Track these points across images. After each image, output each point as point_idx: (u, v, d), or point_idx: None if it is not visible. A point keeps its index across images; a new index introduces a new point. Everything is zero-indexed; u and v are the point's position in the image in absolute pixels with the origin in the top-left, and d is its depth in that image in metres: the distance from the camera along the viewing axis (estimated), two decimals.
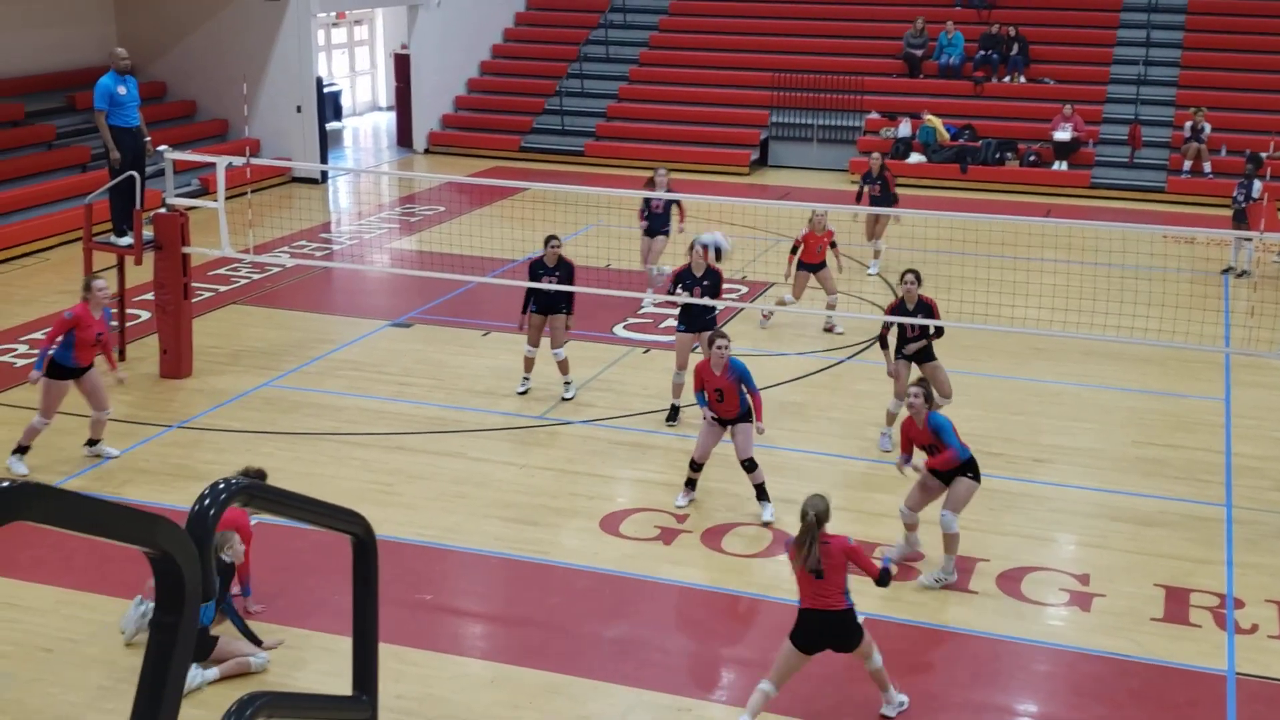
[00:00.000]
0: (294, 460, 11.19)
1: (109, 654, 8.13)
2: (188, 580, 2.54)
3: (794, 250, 14.53)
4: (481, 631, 8.93)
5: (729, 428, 10.22)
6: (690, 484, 10.43)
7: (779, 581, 9.32)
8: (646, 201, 15.20)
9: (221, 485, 3.08)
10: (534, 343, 12.66)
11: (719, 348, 10.07)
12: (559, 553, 9.69)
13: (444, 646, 8.46)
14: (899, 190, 17.18)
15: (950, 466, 9.01)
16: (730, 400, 10.11)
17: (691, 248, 12.22)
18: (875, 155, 16.72)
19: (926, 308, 11.27)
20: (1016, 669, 8.42)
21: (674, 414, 12.20)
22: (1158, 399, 12.96)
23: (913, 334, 11.34)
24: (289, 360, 13.81)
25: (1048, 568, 9.56)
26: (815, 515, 7.15)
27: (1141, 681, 8.19)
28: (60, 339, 10.54)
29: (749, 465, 10.12)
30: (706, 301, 12.04)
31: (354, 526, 3.82)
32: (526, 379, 12.85)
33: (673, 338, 14.53)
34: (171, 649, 2.53)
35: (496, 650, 8.54)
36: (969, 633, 8.64)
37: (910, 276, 11.28)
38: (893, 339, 11.54)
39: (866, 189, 16.63)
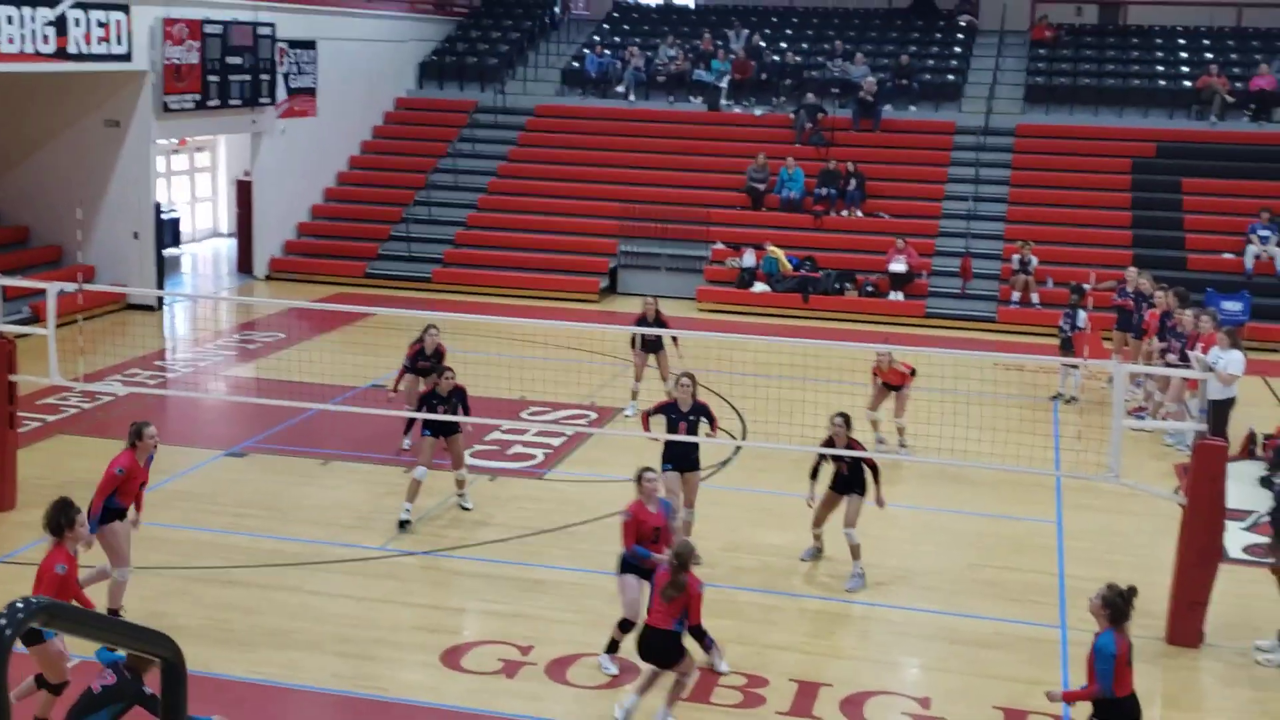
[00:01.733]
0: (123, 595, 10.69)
1: None
2: None
3: (882, 384, 15.15)
4: None
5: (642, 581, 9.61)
6: (615, 646, 9.74)
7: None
8: (415, 361, 14.47)
9: (20, 605, 2.90)
10: (428, 463, 12.47)
11: (649, 481, 9.69)
12: (398, 689, 9.39)
13: None
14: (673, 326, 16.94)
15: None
16: (664, 541, 9.59)
17: (678, 381, 11.93)
18: (649, 300, 16.36)
19: (854, 449, 11.44)
20: None
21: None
22: (993, 521, 13.26)
23: (844, 471, 11.48)
24: None
25: (890, 691, 9.60)
26: (685, 557, 8.57)
27: None
28: (108, 494, 9.85)
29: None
30: (690, 439, 11.72)
31: (162, 650, 3.63)
32: (409, 508, 12.41)
33: (520, 465, 14.48)
34: None
35: None
36: None
37: (839, 420, 11.45)
38: (825, 473, 11.61)
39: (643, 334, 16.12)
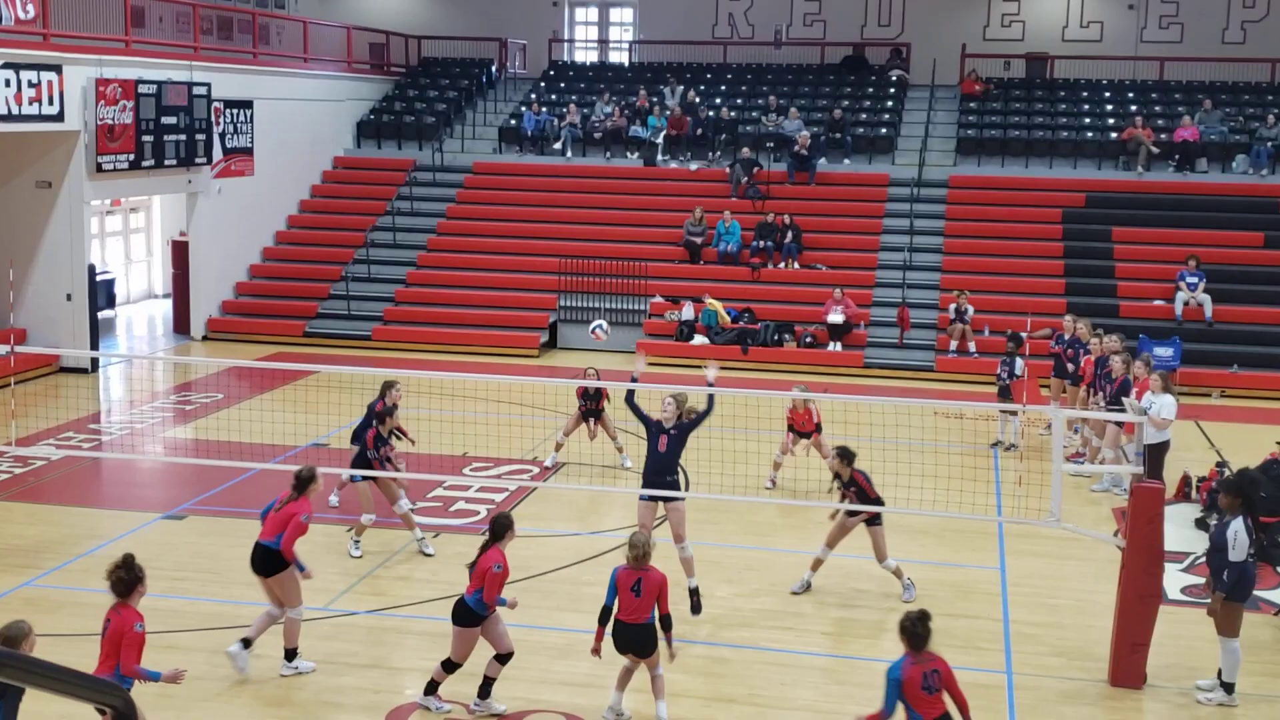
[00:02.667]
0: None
1: None
2: None
3: (789, 429, 15.53)
4: None
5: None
6: (436, 686, 9.81)
7: None
8: (378, 417, 13.44)
9: None
10: (372, 508, 13.13)
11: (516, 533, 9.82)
12: None
13: None
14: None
15: None
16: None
17: (664, 401, 11.72)
18: (591, 369, 16.23)
19: (856, 482, 12.07)
20: None
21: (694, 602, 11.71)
22: (937, 569, 13.31)
23: (852, 499, 12.13)
24: (51, 558, 13.02)
25: None
26: (646, 548, 9.32)
27: None
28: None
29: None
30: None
31: (114, 699, 3.58)
32: (358, 540, 13.19)
33: (462, 521, 14.37)
34: None
35: None
36: None
37: (835, 452, 12.15)
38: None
39: (584, 404, 16.43)
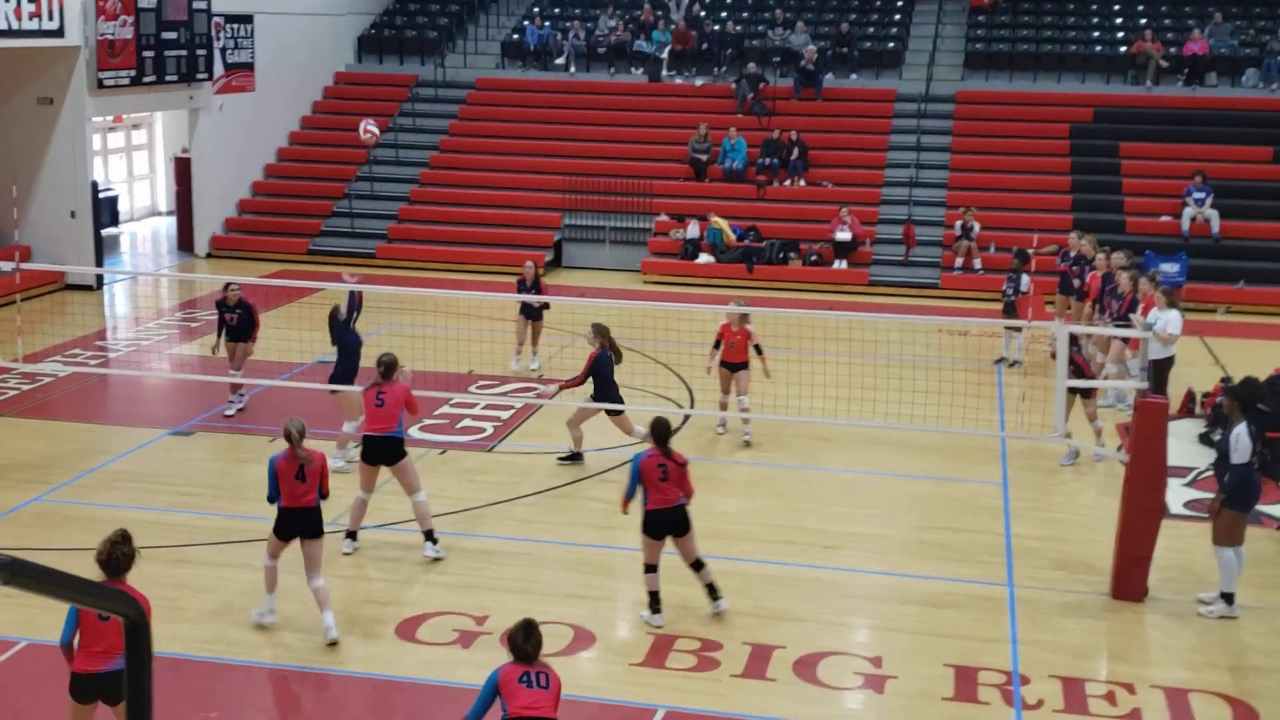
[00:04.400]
0: None
1: None
2: None
3: (716, 345, 14.57)
4: None
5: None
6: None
7: (579, 680, 9.19)
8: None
9: None
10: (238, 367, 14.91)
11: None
12: (353, 663, 9.37)
13: None
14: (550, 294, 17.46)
15: None
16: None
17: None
18: (529, 264, 16.71)
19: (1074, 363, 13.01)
20: None
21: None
22: (940, 484, 13.39)
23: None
24: (60, 473, 13.12)
25: (842, 652, 9.70)
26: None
27: None
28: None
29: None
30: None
31: (125, 608, 3.65)
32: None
33: (469, 438, 14.44)
34: None
35: None
36: None
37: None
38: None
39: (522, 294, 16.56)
